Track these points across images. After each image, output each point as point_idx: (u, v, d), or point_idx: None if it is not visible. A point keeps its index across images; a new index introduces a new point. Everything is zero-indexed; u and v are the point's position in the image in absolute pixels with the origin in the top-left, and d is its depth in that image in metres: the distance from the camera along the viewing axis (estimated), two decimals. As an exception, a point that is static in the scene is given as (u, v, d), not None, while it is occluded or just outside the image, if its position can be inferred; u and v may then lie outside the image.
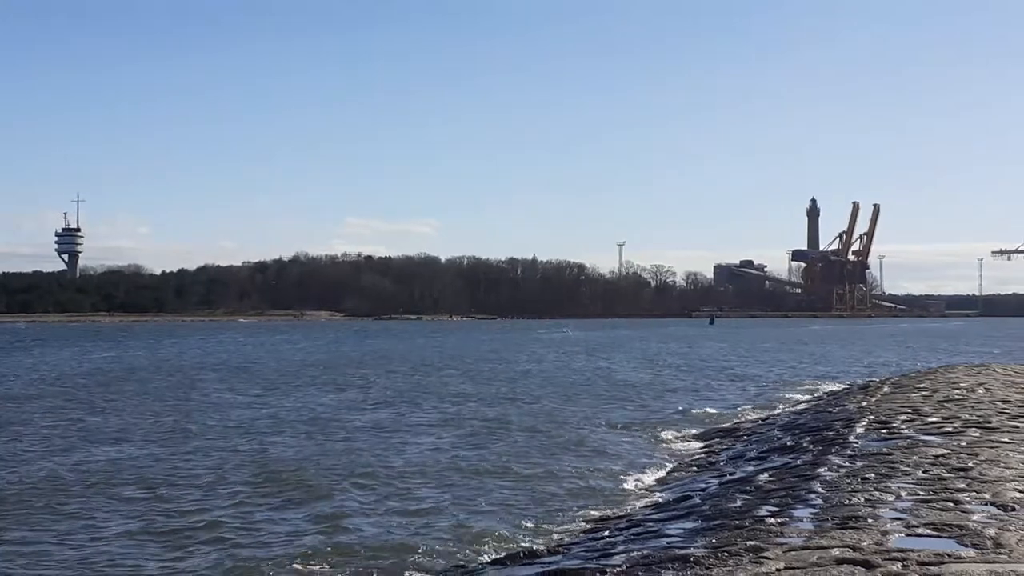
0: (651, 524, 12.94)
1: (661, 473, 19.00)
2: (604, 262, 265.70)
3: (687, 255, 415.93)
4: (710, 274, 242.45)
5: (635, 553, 10.80)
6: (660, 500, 15.49)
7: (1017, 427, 18.52)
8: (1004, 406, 22.42)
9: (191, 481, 18.26)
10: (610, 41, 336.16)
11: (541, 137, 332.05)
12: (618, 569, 9.99)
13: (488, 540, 13.66)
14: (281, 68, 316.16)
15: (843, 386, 36.63)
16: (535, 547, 12.91)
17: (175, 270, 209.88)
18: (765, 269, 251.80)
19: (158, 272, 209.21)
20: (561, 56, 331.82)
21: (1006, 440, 16.63)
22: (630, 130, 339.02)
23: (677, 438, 24.32)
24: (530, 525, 14.54)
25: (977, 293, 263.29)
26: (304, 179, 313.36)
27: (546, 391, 37.29)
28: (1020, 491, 12.05)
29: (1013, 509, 11.05)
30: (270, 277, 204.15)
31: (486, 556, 12.85)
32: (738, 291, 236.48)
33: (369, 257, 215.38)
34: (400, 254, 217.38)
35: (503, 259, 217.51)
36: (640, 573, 9.70)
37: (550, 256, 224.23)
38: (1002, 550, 9.30)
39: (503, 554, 12.77)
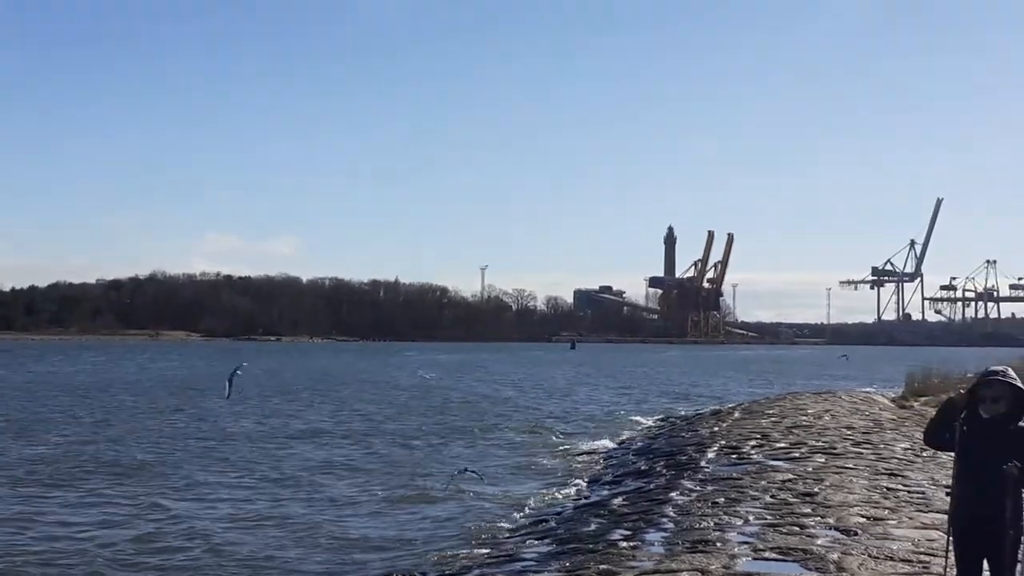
0: (507, 548, 12.98)
1: (519, 496, 19.03)
2: (467, 285, 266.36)
3: (548, 279, 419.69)
4: (570, 299, 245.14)
5: (489, 577, 10.82)
6: (517, 524, 15.53)
7: (861, 453, 19.15)
8: (849, 432, 23.16)
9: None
10: (470, 60, 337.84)
11: (403, 157, 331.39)
12: (472, 594, 9.98)
13: (342, 567, 13.50)
14: (134, 77, 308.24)
15: (696, 411, 37.28)
16: (388, 572, 12.81)
17: (25, 287, 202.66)
18: (623, 295, 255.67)
19: (7, 289, 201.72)
20: (420, 75, 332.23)
21: (850, 466, 17.17)
22: (491, 153, 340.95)
23: (534, 462, 24.41)
24: (386, 550, 14.41)
25: (825, 321, 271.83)
26: (161, 194, 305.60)
27: (424, 416, 37.08)
28: (863, 516, 12.46)
29: (856, 534, 11.41)
30: (124, 295, 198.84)
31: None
32: (597, 316, 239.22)
33: (228, 276, 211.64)
34: (261, 273, 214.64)
35: (365, 281, 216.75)
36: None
37: (413, 279, 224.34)
38: (844, 574, 9.59)
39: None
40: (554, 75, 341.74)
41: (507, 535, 14.44)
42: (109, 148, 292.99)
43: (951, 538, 6.82)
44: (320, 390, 50.74)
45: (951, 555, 6.78)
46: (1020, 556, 6.56)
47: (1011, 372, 6.76)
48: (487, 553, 12.92)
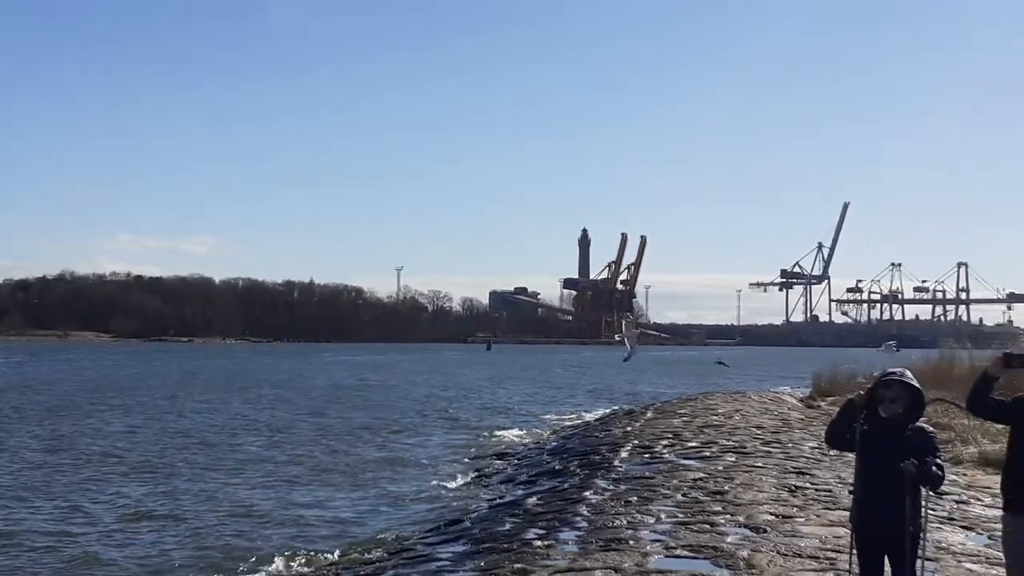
0: (421, 548, 13.01)
1: (433, 496, 19.07)
2: (382, 286, 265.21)
3: (464, 281, 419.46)
4: (486, 300, 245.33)
5: (404, 577, 10.85)
6: (431, 524, 15.56)
7: (770, 452, 19.53)
8: (758, 432, 23.59)
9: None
10: (378, 55, 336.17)
11: (318, 156, 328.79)
12: (387, 594, 10.00)
13: (255, 569, 13.42)
14: (42, 72, 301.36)
15: (610, 411, 37.60)
16: (302, 572, 12.77)
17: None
18: (538, 296, 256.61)
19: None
20: (330, 71, 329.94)
21: (759, 464, 17.51)
22: (407, 153, 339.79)
23: (451, 462, 24.46)
24: (299, 554, 14.33)
25: (736, 323, 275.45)
26: (71, 194, 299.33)
27: (332, 414, 36.87)
28: (772, 514, 12.72)
29: (765, 531, 11.65)
30: (33, 296, 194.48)
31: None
32: (512, 317, 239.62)
33: (139, 276, 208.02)
34: (172, 274, 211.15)
35: (279, 282, 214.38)
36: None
37: (328, 279, 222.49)
38: (754, 570, 9.80)
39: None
40: (467, 75, 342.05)
41: (421, 535, 14.46)
42: (17, 147, 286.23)
43: (854, 535, 7.02)
44: (238, 391, 50.22)
45: (854, 554, 6.98)
46: (920, 553, 6.78)
47: (909, 373, 6.98)
48: (401, 554, 12.93)
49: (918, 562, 6.78)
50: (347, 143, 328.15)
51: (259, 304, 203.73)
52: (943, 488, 15.18)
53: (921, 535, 6.72)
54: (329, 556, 13.92)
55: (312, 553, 14.17)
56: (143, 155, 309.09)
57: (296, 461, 24.06)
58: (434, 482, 20.91)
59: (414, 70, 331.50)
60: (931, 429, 6.97)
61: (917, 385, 6.87)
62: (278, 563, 13.60)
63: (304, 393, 49.81)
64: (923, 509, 6.77)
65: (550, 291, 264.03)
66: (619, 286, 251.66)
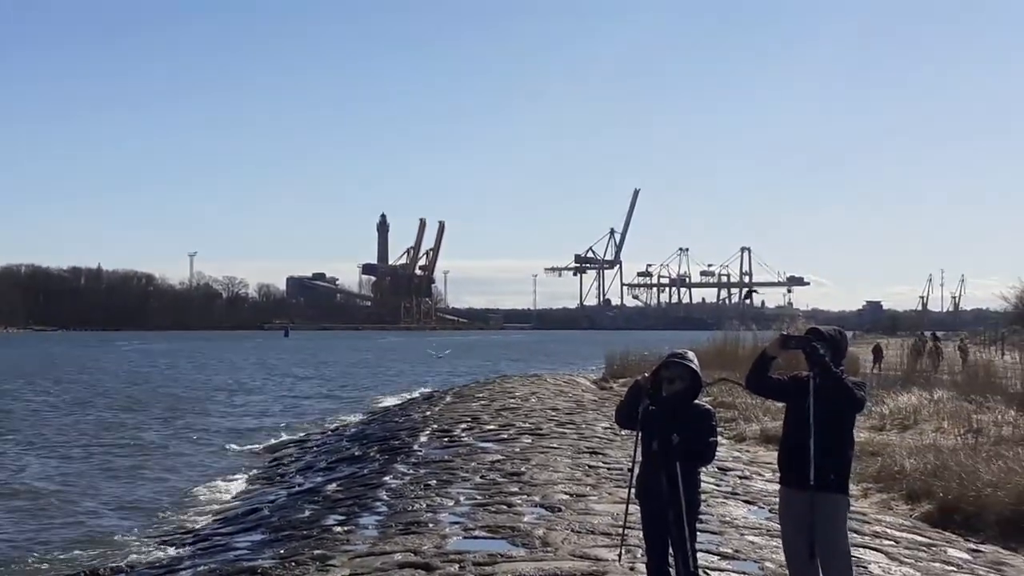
0: (219, 538, 12.85)
1: (230, 486, 18.81)
2: (174, 272, 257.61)
3: (260, 267, 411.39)
4: (283, 286, 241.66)
5: (202, 568, 10.73)
6: (229, 514, 15.36)
7: (564, 433, 20.01)
8: (554, 414, 24.12)
9: None
10: (172, 35, 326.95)
11: (104, 135, 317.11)
12: (184, 585, 9.87)
13: (44, 562, 13.00)
14: None
15: (409, 397, 37.72)
16: (95, 567, 12.43)
17: None
18: (337, 282, 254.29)
19: None
20: (123, 51, 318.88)
21: (555, 446, 17.93)
22: (200, 136, 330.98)
23: (248, 451, 24.15)
24: (93, 545, 13.94)
25: (532, 307, 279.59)
26: None
27: (130, 406, 35.73)
28: (567, 493, 13.07)
29: (560, 510, 11.97)
30: None
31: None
32: (310, 303, 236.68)
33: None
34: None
35: (65, 268, 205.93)
36: (207, 588, 9.65)
37: (117, 265, 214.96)
38: (549, 548, 10.08)
39: (60, 577, 12.22)
40: (265, 60, 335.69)
41: (219, 525, 14.28)
42: None
43: (641, 512, 7.33)
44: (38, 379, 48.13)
45: (628, 531, 7.28)
46: (694, 524, 7.13)
47: (691, 354, 7.31)
48: (198, 545, 12.74)
49: (696, 535, 7.15)
50: (138, 124, 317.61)
51: (43, 291, 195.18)
52: (728, 464, 16.01)
53: (691, 507, 7.01)
54: (123, 550, 13.56)
55: (105, 548, 13.78)
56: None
57: (84, 454, 23.32)
58: (230, 472, 20.62)
59: (202, 51, 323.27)
60: (710, 408, 7.33)
61: (696, 367, 7.20)
62: (65, 559, 13.19)
63: (91, 386, 48.12)
64: (697, 483, 7.12)
65: (349, 277, 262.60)
66: (418, 271, 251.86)
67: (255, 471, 20.54)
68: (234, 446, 24.85)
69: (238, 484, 19.01)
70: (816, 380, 7.09)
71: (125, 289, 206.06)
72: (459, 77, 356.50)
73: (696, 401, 7.19)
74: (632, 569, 8.96)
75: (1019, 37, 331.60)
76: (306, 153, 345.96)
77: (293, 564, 9.96)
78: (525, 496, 12.89)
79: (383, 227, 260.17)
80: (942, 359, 37.51)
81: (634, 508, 7.50)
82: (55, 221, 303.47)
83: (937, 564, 10.17)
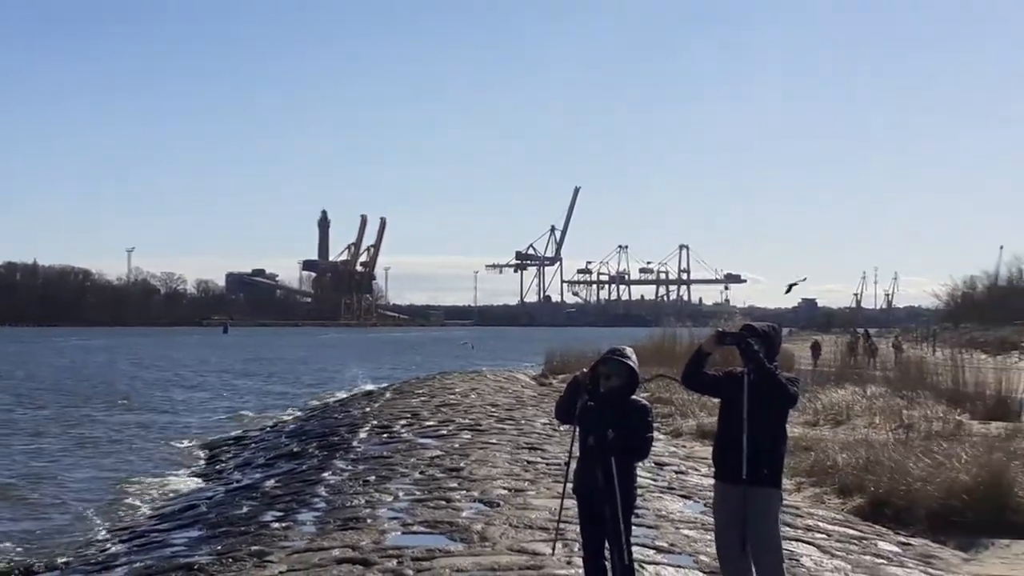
0: (156, 535, 12.75)
1: (168, 483, 18.66)
2: (112, 268, 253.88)
3: (199, 263, 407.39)
4: (222, 282, 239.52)
5: (138, 564, 10.66)
6: (166, 510, 15.25)
7: (504, 429, 20.09)
8: (493, 409, 24.20)
9: None
10: (95, 27, 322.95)
11: (41, 128, 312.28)
12: (120, 582, 9.80)
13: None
14: None
15: (349, 393, 37.60)
16: (29, 563, 12.30)
17: None
18: (277, 278, 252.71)
19: None
20: (49, 44, 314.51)
21: (494, 441, 17.99)
22: (137, 130, 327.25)
23: (186, 447, 23.96)
24: (28, 542, 13.76)
25: (473, 304, 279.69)
26: None
27: (58, 402, 35.24)
28: (505, 488, 13.14)
29: (498, 505, 12.03)
30: None
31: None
32: (250, 300, 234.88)
33: None
34: None
35: (0, 263, 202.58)
36: (143, 584, 9.59)
37: (53, 261, 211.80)
38: (487, 543, 10.14)
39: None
40: (201, 55, 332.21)
41: (156, 522, 14.17)
42: None
43: (578, 506, 7.41)
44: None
45: (565, 525, 7.36)
46: (627, 518, 7.21)
47: (628, 351, 7.39)
48: (134, 542, 12.64)
49: (631, 529, 7.25)
50: (75, 115, 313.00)
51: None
52: (664, 459, 16.17)
53: (627, 502, 7.10)
54: (58, 547, 13.41)
55: (39, 545, 13.63)
56: None
57: (20, 451, 23.02)
58: (168, 468, 20.47)
59: (136, 44, 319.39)
60: (647, 404, 7.42)
61: (634, 363, 7.28)
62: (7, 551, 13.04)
63: (27, 382, 47.42)
64: (633, 477, 7.22)
65: (289, 273, 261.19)
66: (359, 268, 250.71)
67: (194, 467, 20.40)
68: (173, 443, 24.66)
69: (176, 480, 18.86)
70: (750, 376, 7.20)
71: (61, 284, 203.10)
72: (400, 74, 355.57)
73: (633, 397, 7.27)
74: (568, 563, 9.05)
75: (952, 36, 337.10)
76: (246, 149, 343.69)
77: (230, 560, 9.93)
78: (464, 491, 12.94)
79: (324, 223, 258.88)
80: (876, 356, 38.13)
81: (573, 503, 7.57)
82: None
83: (868, 557, 10.37)
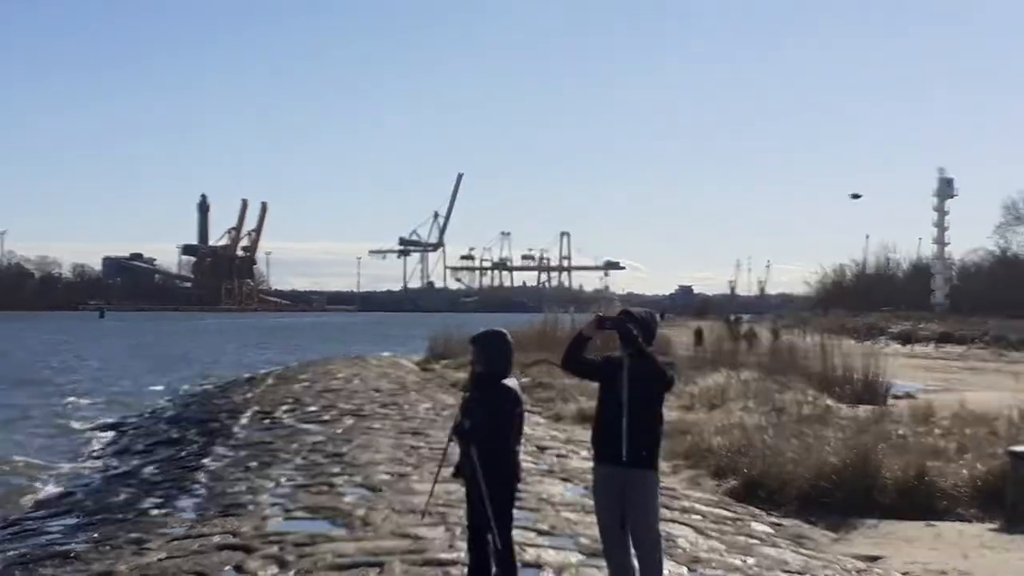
0: (30, 523, 12.52)
1: (43, 470, 18.22)
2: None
3: (75, 247, 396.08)
4: (99, 267, 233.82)
5: (12, 553, 10.46)
6: (42, 498, 14.94)
7: (387, 414, 20.12)
8: (377, 395, 24.20)
9: None
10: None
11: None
12: (-7, 571, 9.63)
13: None
14: None
15: (230, 379, 37.11)
16: None
17: None
18: (155, 263, 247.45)
19: None
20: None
21: (377, 426, 18.03)
22: (11, 108, 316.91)
23: (61, 433, 23.43)
24: None
25: (356, 289, 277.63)
26: None
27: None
28: (388, 473, 13.20)
29: (381, 490, 12.09)
30: None
31: None
32: (128, 284, 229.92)
33: None
34: None
35: None
36: (17, 572, 9.43)
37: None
38: (369, 528, 10.20)
39: None
40: (80, 33, 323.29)
41: (30, 509, 13.89)
42: None
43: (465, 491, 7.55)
44: None
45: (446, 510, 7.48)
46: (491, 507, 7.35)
47: (502, 334, 7.56)
48: (8, 529, 12.37)
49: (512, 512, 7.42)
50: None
51: None
52: (545, 443, 16.38)
53: (502, 485, 7.25)
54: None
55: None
56: None
57: None
58: (44, 455, 19.98)
59: (10, 21, 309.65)
60: (511, 386, 7.41)
61: (493, 350, 7.45)
62: None
63: None
64: (509, 461, 7.34)
65: (168, 257, 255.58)
66: (240, 252, 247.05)
67: (70, 454, 19.97)
68: (48, 429, 24.08)
69: (52, 468, 18.43)
70: (629, 360, 7.36)
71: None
72: (286, 58, 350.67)
73: (504, 381, 7.38)
74: (451, 547, 9.15)
75: (846, 20, 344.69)
76: (124, 129, 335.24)
77: (108, 548, 9.82)
78: (347, 477, 12.96)
79: (204, 207, 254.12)
80: (754, 342, 39.00)
81: (454, 488, 7.68)
82: None
83: (741, 537, 10.68)
